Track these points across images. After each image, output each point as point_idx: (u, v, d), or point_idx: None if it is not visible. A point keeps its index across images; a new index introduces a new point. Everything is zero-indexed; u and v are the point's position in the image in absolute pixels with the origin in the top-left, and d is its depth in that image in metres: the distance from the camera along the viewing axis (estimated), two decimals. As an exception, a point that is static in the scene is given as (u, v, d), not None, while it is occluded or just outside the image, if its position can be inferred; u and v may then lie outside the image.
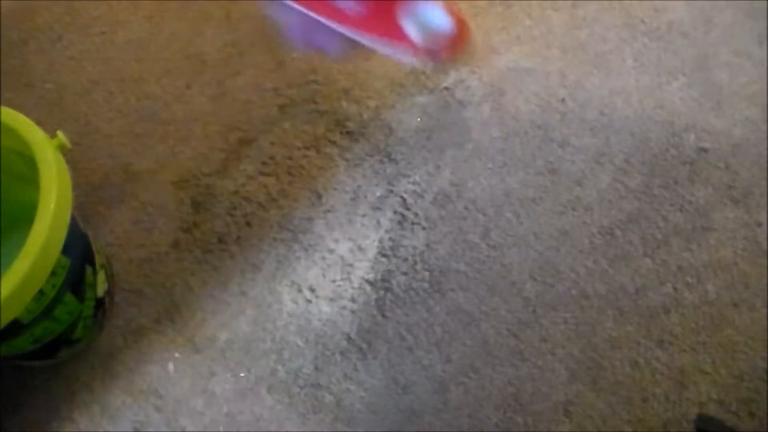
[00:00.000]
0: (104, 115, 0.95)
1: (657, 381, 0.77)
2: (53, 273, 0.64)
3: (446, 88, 0.95)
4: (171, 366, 0.80)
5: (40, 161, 0.64)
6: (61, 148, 0.67)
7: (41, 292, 0.64)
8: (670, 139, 0.91)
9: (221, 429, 0.76)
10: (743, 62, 0.96)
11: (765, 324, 0.79)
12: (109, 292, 0.80)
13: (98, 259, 0.77)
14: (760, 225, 0.85)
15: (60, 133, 0.68)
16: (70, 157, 0.70)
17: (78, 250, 0.71)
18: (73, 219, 0.68)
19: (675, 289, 0.82)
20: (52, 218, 0.61)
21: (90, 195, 0.89)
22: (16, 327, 0.66)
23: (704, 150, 0.90)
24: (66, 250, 0.64)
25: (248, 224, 0.87)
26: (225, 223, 0.87)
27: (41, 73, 0.99)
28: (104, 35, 1.02)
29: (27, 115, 0.95)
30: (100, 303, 0.78)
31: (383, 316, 0.81)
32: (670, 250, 0.84)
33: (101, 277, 0.77)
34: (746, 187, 0.87)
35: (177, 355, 0.80)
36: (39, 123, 0.95)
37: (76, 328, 0.74)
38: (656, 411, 0.76)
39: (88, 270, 0.74)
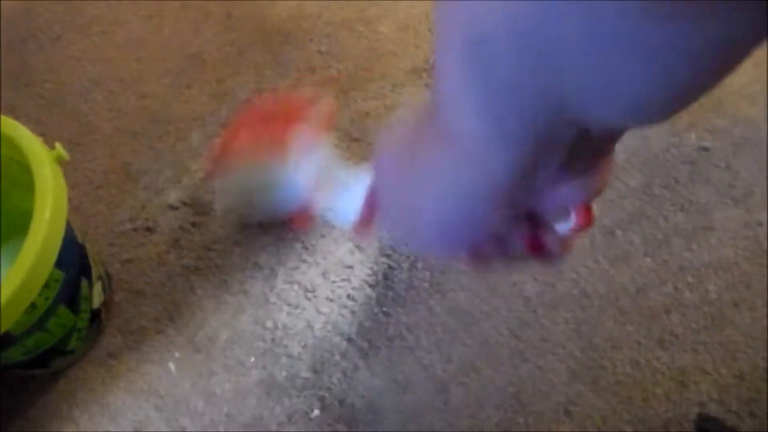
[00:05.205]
0: (104, 114, 0.95)
1: (657, 381, 0.77)
2: (46, 286, 0.63)
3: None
4: (171, 366, 0.79)
5: (36, 176, 0.64)
6: (59, 161, 0.67)
7: (33, 305, 0.64)
8: (671, 138, 0.91)
9: (221, 429, 0.76)
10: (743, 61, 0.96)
11: (765, 324, 0.79)
12: (105, 303, 0.80)
13: (95, 271, 0.76)
14: (760, 224, 0.85)
15: (58, 146, 0.67)
16: (71, 156, 0.70)
17: (73, 262, 0.71)
18: (69, 231, 0.68)
19: (676, 288, 0.82)
20: (45, 233, 0.61)
21: (90, 194, 0.89)
22: (7, 339, 0.65)
23: (705, 149, 0.90)
24: (60, 263, 0.64)
25: (248, 224, 0.87)
26: (225, 223, 0.87)
27: (41, 73, 0.99)
28: (104, 35, 1.02)
29: (27, 114, 0.96)
30: (95, 315, 0.77)
31: (383, 315, 0.81)
32: (671, 249, 0.84)
33: (97, 289, 0.77)
34: (747, 186, 0.87)
35: (177, 354, 0.80)
36: (39, 123, 0.95)
37: (69, 339, 0.74)
38: (657, 411, 0.76)
39: (84, 282, 0.73)
